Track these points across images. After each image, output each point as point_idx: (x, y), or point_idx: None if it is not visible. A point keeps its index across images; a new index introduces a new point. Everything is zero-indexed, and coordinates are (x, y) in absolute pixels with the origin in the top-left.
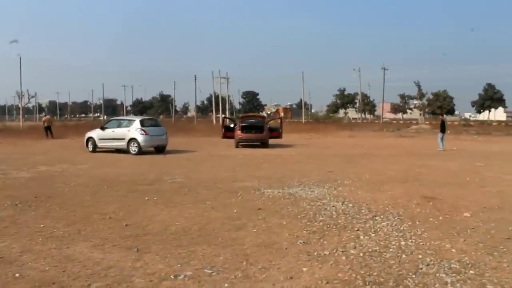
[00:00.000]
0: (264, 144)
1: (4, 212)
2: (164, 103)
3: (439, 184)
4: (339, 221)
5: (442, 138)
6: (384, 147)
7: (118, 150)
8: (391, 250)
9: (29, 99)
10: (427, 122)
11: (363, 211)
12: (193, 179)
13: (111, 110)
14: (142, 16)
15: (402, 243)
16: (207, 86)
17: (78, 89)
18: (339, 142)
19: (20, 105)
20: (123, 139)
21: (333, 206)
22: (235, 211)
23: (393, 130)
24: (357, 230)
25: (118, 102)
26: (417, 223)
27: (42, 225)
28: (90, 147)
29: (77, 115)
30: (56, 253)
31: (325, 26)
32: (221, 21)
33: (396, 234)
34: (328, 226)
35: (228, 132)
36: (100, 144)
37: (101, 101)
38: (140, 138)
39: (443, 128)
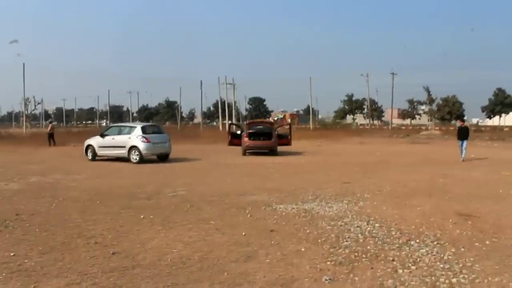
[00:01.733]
0: (272, 152)
1: None
2: (170, 109)
3: (471, 198)
4: (368, 247)
5: (465, 146)
6: (399, 155)
7: (119, 159)
8: None
9: (35, 106)
10: (436, 128)
11: (393, 233)
12: (196, 192)
13: (117, 117)
14: (147, 21)
15: (453, 280)
16: (214, 92)
17: (85, 95)
18: (350, 149)
19: (23, 112)
20: (124, 147)
21: (357, 226)
22: (243, 233)
23: (403, 136)
24: (392, 260)
25: (125, 109)
26: (462, 249)
27: (12, 253)
28: (90, 155)
29: (84, 122)
30: None
31: (332, 31)
32: (226, 26)
33: (442, 266)
34: (356, 254)
35: (234, 139)
36: (99, 152)
37: (108, 108)
38: (141, 146)
39: (466, 135)
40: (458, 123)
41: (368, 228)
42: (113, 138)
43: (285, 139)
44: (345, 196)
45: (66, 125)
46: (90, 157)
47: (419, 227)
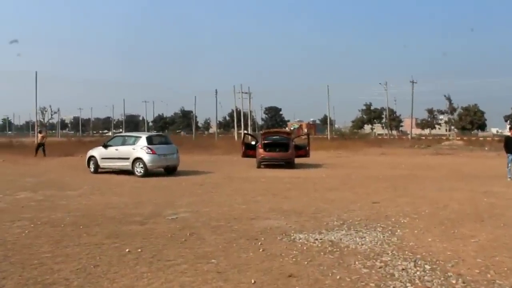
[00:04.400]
0: (289, 164)
1: None
2: (185, 119)
3: None
4: None
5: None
6: (426, 167)
7: (123, 171)
8: None
9: (51, 115)
10: (458, 138)
11: (453, 281)
12: (201, 214)
13: (133, 126)
14: (162, 31)
15: None
16: (229, 101)
17: (101, 105)
18: (373, 161)
19: (36, 121)
20: (128, 158)
21: (402, 269)
22: (253, 281)
23: (424, 146)
24: None
25: (140, 118)
26: None
27: None
28: (92, 167)
29: (100, 131)
30: None
31: (349, 39)
32: (242, 34)
33: None
34: None
35: (249, 150)
36: (102, 164)
37: (123, 117)
38: (146, 157)
39: None
40: (508, 132)
41: (418, 273)
42: (116, 149)
43: (303, 150)
44: (378, 221)
45: (82, 135)
46: (92, 170)
47: (485, 272)
